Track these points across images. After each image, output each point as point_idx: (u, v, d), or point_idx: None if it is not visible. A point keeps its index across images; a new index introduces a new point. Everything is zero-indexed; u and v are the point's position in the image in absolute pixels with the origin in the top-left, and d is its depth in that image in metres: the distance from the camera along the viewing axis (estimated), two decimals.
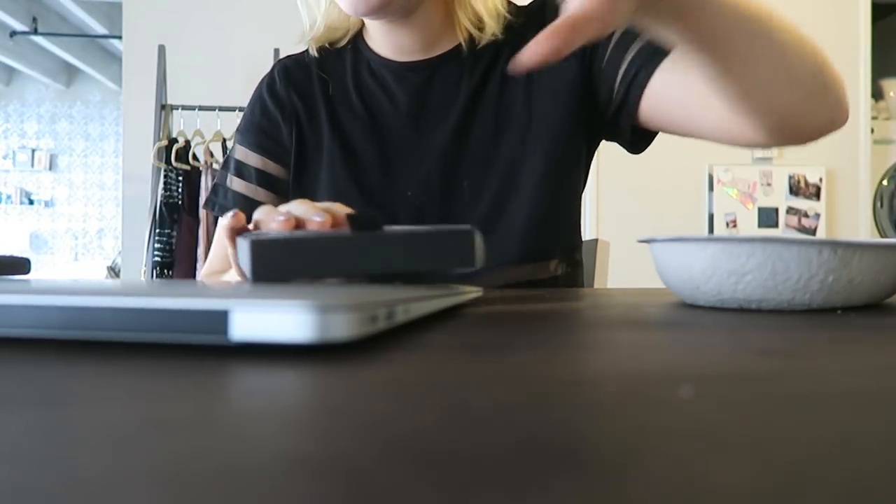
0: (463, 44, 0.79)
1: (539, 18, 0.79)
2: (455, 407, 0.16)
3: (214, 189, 0.84)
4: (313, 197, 0.79)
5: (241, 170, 0.83)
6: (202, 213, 2.55)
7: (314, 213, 0.44)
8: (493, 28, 0.79)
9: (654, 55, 0.68)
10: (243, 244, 0.37)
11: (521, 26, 0.80)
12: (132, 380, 0.19)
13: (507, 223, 0.76)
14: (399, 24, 0.77)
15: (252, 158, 0.82)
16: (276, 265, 0.32)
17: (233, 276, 0.72)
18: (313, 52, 0.83)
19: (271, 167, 0.82)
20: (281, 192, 0.82)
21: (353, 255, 0.33)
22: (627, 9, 0.35)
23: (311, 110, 0.82)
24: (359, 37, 0.84)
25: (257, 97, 0.84)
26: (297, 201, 0.49)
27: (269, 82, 0.84)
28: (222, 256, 0.81)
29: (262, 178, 0.82)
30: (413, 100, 0.80)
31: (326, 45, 0.83)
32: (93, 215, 6.58)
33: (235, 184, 0.82)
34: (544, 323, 0.36)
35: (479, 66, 0.80)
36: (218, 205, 0.83)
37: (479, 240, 0.37)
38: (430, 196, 0.78)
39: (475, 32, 0.79)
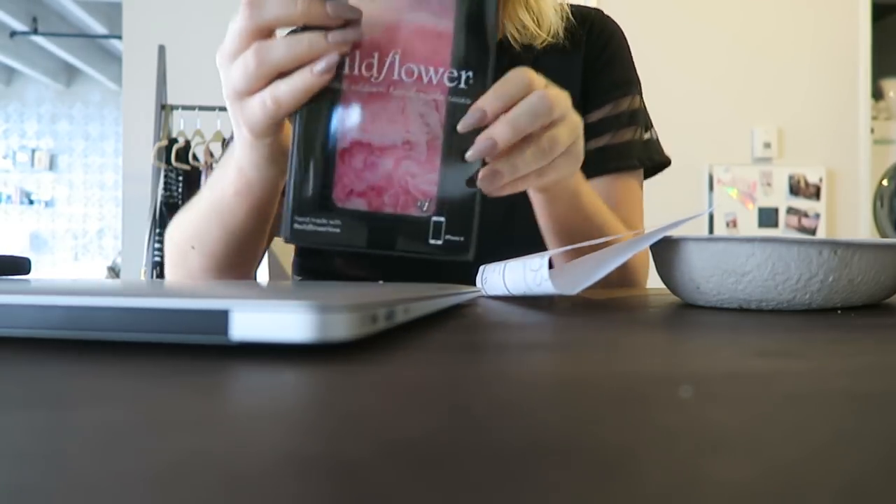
0: (514, 42, 0.76)
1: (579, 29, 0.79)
2: (455, 407, 0.16)
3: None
4: None
5: None
6: None
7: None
8: (553, 25, 0.76)
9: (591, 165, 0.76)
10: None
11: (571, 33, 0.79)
12: (132, 380, 0.19)
13: (520, 231, 0.76)
14: None
15: None
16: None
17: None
18: None
19: None
20: None
21: None
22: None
23: None
24: None
25: None
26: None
27: None
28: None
29: None
30: None
31: None
32: (93, 215, 6.57)
33: None
34: (544, 323, 0.36)
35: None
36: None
37: None
38: None
39: (533, 28, 0.76)
